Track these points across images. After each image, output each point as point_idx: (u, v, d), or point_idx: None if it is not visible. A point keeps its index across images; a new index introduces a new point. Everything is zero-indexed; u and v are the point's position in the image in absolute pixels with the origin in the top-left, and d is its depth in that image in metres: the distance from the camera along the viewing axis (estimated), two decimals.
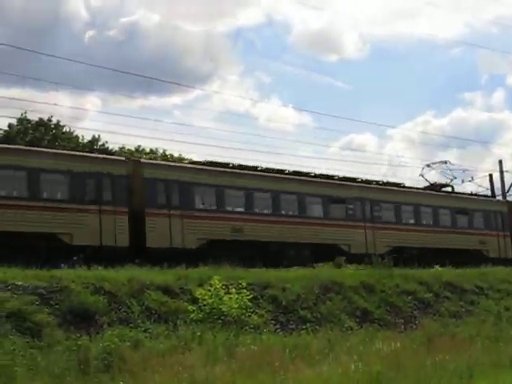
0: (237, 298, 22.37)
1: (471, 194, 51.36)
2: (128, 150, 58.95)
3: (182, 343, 19.02)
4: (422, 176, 50.95)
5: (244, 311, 22.31)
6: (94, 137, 59.79)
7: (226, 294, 22.33)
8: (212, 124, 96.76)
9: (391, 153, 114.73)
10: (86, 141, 59.03)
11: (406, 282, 29.46)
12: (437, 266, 35.12)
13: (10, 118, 55.75)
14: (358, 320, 25.32)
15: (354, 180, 42.27)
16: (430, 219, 45.36)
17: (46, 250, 27.33)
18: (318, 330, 23.05)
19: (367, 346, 20.43)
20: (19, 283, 20.08)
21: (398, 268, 31.57)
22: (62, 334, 18.49)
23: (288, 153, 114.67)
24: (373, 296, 27.42)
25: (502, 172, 61.81)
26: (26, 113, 55.48)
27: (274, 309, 24.13)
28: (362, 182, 42.64)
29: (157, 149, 62.03)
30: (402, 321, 26.71)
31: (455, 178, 50.54)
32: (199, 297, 22.13)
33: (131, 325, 20.15)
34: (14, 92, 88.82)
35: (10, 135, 54.56)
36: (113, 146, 58.67)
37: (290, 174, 39.16)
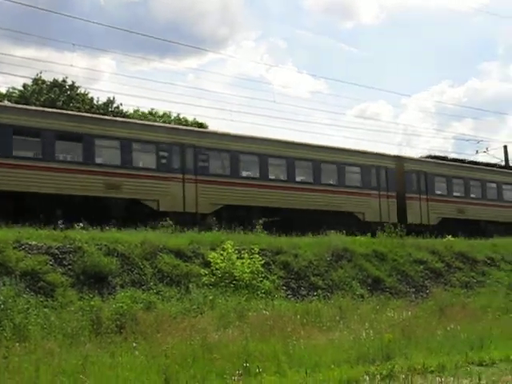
0: (249, 263, 22.46)
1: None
2: (142, 112, 58.85)
3: (194, 306, 19.12)
4: None
5: (256, 276, 22.39)
6: (108, 99, 59.68)
7: (238, 258, 22.41)
8: (226, 89, 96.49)
9: (406, 122, 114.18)
10: (100, 102, 58.89)
11: (418, 252, 29.46)
12: (449, 236, 35.00)
13: (26, 78, 55.70)
14: (369, 288, 25.36)
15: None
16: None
17: None
18: (330, 297, 23.12)
19: (378, 314, 20.45)
20: (33, 243, 20.18)
21: (410, 237, 31.61)
22: (75, 295, 18.64)
23: (302, 119, 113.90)
24: (384, 264, 27.44)
25: None
26: (41, 73, 55.39)
27: (286, 275, 24.18)
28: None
29: (170, 112, 61.89)
30: (414, 290, 26.74)
31: None
32: (211, 260, 22.21)
33: (143, 287, 20.28)
34: (31, 52, 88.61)
35: (25, 95, 54.52)
36: (127, 108, 58.61)
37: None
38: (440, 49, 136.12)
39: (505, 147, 61.40)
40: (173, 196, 30.58)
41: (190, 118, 59.66)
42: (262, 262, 23.04)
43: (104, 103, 59.14)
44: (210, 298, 19.91)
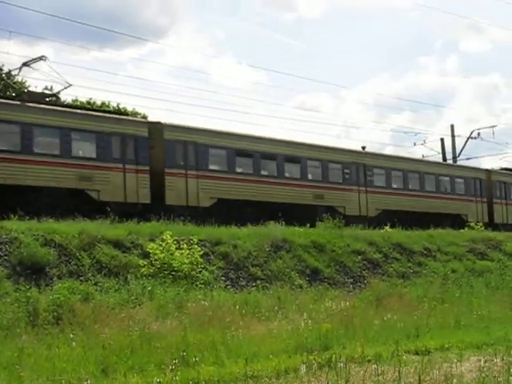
0: (188, 254, 22.43)
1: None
2: (80, 102, 58.12)
3: (133, 297, 19.01)
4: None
5: (195, 267, 22.38)
6: (46, 87, 58.80)
7: (177, 249, 22.35)
8: (166, 78, 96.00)
9: (345, 114, 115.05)
10: (38, 91, 57.92)
11: (356, 242, 29.69)
12: (387, 227, 35.43)
13: None
14: (307, 279, 25.52)
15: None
16: None
17: None
18: (268, 287, 23.21)
19: (317, 305, 20.62)
20: None
21: (348, 228, 31.91)
22: (11, 286, 18.38)
23: (242, 110, 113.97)
24: (323, 255, 27.60)
25: (453, 136, 62.41)
26: None
27: (225, 265, 24.19)
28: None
29: (109, 102, 61.26)
30: (351, 280, 26.99)
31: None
32: (150, 251, 22.11)
33: (81, 278, 20.11)
34: None
35: None
36: (66, 97, 57.81)
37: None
38: (379, 42, 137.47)
39: (441, 140, 62.33)
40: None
41: (130, 108, 59.14)
42: (201, 252, 23.02)
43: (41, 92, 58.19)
44: (149, 288, 19.81)
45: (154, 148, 32.12)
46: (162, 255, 21.99)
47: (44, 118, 28.89)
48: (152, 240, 22.91)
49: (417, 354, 15.04)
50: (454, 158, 59.82)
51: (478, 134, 61.10)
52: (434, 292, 24.90)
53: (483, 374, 11.14)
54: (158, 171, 31.87)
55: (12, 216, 22.76)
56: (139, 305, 18.48)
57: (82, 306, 17.38)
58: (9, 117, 27.83)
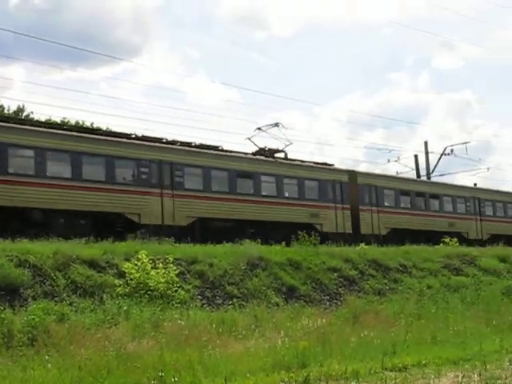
0: (164, 273, 22.33)
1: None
2: (54, 121, 57.89)
3: (109, 317, 18.86)
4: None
5: (171, 286, 22.27)
6: (18, 107, 58.62)
7: (152, 268, 22.25)
8: (139, 97, 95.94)
9: (318, 131, 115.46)
10: (11, 111, 57.78)
11: (331, 260, 29.72)
12: (362, 244, 35.53)
13: None
14: (284, 296, 25.50)
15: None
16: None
17: None
18: (245, 305, 23.14)
19: (293, 322, 20.57)
20: None
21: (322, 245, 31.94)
22: None
23: (216, 128, 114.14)
24: (299, 273, 27.60)
25: (427, 153, 62.95)
26: None
27: (201, 284, 24.12)
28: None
29: (83, 121, 61.09)
30: (328, 297, 27.00)
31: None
32: (126, 271, 21.98)
33: (56, 298, 19.93)
34: None
35: None
36: (38, 116, 57.60)
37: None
38: (352, 59, 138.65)
39: (415, 156, 62.72)
40: None
41: (104, 128, 58.96)
42: (177, 271, 22.92)
43: (14, 112, 58.06)
44: (125, 308, 19.67)
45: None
46: (137, 274, 21.87)
47: None
48: (127, 259, 22.78)
49: (394, 370, 15.02)
50: (428, 175, 60.21)
51: (452, 150, 61.69)
52: (410, 308, 24.91)
53: None
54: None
55: None
56: (115, 325, 18.34)
57: (57, 327, 17.22)
58: None
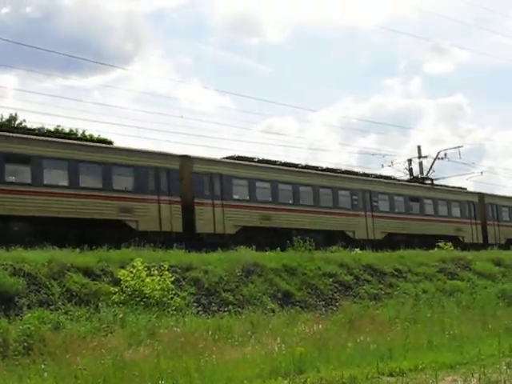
0: (159, 280, 22.29)
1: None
2: (47, 130, 57.81)
3: (104, 325, 18.81)
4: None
5: (166, 293, 22.23)
6: (11, 115, 58.46)
7: (148, 275, 22.20)
8: (132, 105, 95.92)
9: (312, 137, 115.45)
10: (3, 119, 57.62)
11: (327, 265, 29.72)
12: (357, 249, 35.52)
13: None
14: (279, 302, 25.47)
15: None
16: None
17: None
18: (241, 312, 23.12)
19: (289, 328, 20.55)
20: None
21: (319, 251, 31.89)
22: None
23: (209, 135, 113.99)
24: (294, 278, 27.59)
25: (420, 157, 62.86)
26: None
27: (197, 291, 24.09)
28: None
29: (77, 129, 60.97)
30: (323, 303, 26.98)
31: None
32: (121, 278, 21.93)
33: (51, 307, 19.88)
34: None
35: None
36: (31, 124, 57.51)
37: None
38: (344, 65, 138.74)
39: (409, 161, 62.73)
40: None
41: (96, 135, 58.87)
42: (172, 278, 22.88)
43: (7, 120, 57.92)
44: (120, 316, 19.63)
45: None
46: (132, 282, 21.83)
47: None
48: (122, 267, 22.73)
49: (391, 375, 15.00)
50: (422, 179, 60.17)
51: (445, 154, 61.58)
52: (405, 313, 24.90)
53: None
54: None
55: None
56: (111, 333, 18.29)
57: (52, 336, 17.17)
58: None
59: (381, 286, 30.54)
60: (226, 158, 40.41)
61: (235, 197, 38.04)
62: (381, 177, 50.67)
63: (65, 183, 31.27)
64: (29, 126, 54.78)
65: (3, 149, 29.14)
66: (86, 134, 58.16)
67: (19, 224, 28.53)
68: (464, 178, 64.02)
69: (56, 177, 31.31)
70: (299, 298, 26.37)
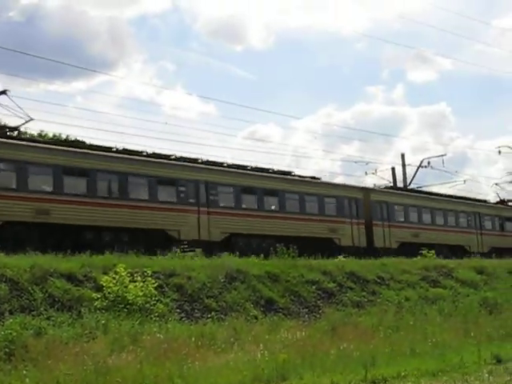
0: (142, 286, 22.20)
1: None
2: (31, 134, 57.62)
3: (87, 331, 18.71)
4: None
5: (149, 299, 22.14)
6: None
7: (131, 281, 22.11)
8: (115, 110, 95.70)
9: (295, 144, 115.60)
10: None
11: (310, 272, 29.70)
12: (340, 257, 35.55)
13: None
14: (262, 309, 25.42)
15: None
16: None
17: None
18: (224, 318, 23.08)
19: (272, 335, 20.56)
20: None
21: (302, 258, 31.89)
22: None
23: (193, 141, 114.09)
24: (277, 285, 27.55)
25: (404, 165, 63.14)
26: None
27: (180, 297, 23.99)
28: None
29: (60, 134, 60.79)
30: (306, 310, 26.94)
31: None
32: (104, 284, 21.82)
33: (33, 313, 19.72)
34: None
35: None
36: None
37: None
38: (327, 72, 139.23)
39: (392, 169, 62.95)
40: None
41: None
42: (155, 284, 22.81)
43: None
44: (103, 322, 19.55)
45: None
46: (115, 288, 21.73)
47: None
48: (105, 273, 22.63)
49: (374, 382, 15.07)
50: (405, 187, 60.41)
51: (428, 162, 61.95)
52: (388, 320, 24.98)
53: None
54: None
55: None
56: (93, 339, 18.22)
57: (34, 342, 17.08)
58: None
59: (364, 293, 30.54)
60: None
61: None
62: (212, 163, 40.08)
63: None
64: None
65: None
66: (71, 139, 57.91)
67: None
68: (447, 186, 64.37)
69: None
70: (282, 305, 26.34)
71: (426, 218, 52.88)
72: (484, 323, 25.57)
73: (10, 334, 17.19)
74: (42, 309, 20.08)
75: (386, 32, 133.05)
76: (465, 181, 65.78)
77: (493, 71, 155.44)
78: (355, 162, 57.32)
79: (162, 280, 24.17)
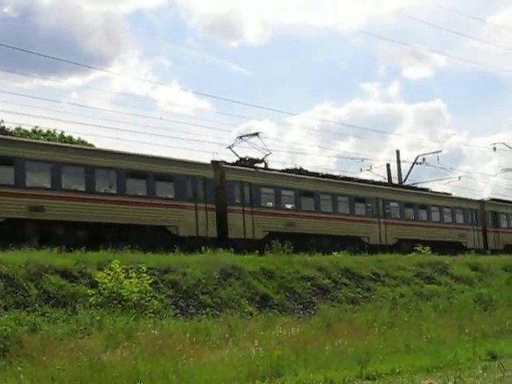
0: (137, 283, 22.21)
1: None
2: (25, 130, 57.45)
3: (82, 327, 18.73)
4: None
5: (144, 295, 22.15)
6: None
7: (126, 278, 22.12)
8: (110, 106, 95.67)
9: (290, 140, 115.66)
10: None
11: (305, 268, 29.71)
12: (335, 253, 35.57)
13: None
14: (257, 305, 25.43)
15: None
16: None
17: None
18: (219, 315, 23.10)
19: (267, 331, 20.56)
20: None
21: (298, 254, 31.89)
22: None
23: (188, 137, 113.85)
24: (272, 282, 27.57)
25: (399, 162, 63.21)
26: None
27: (174, 293, 24.00)
28: None
29: (55, 130, 60.64)
30: (301, 306, 26.98)
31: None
32: (99, 281, 21.82)
33: (28, 309, 19.72)
34: None
35: None
36: (9, 125, 57.11)
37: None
38: (323, 69, 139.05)
39: (387, 165, 63.00)
40: None
41: (75, 137, 58.55)
42: (150, 281, 22.81)
43: None
44: (98, 318, 19.55)
45: None
46: (110, 284, 21.74)
47: None
48: (100, 269, 22.62)
49: (369, 378, 15.09)
50: (400, 183, 60.45)
51: (423, 159, 61.97)
52: (383, 317, 24.99)
53: None
54: None
55: None
56: (88, 335, 18.23)
57: (29, 338, 17.09)
58: None
59: (359, 289, 30.57)
60: None
61: None
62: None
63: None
64: (7, 126, 54.41)
65: None
66: (65, 135, 57.78)
67: None
68: (442, 182, 64.36)
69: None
70: (277, 302, 26.36)
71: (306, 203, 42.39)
72: (479, 319, 25.61)
73: (5, 330, 17.23)
74: (36, 305, 20.07)
75: (382, 28, 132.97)
76: (459, 177, 65.73)
77: (488, 68, 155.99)
78: (351, 159, 57.14)
79: (157, 276, 24.17)
